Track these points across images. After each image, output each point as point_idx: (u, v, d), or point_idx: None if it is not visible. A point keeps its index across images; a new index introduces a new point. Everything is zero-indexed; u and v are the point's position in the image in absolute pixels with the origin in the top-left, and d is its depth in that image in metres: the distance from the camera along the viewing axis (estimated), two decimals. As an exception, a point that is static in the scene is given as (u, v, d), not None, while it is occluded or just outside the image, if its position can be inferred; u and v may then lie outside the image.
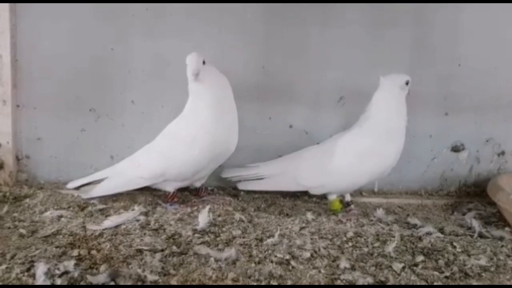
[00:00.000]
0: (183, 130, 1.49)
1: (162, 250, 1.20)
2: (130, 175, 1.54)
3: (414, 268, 1.21)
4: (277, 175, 1.64)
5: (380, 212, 1.60)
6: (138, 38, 1.66)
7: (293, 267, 1.17)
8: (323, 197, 1.72)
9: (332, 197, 1.62)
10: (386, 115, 1.54)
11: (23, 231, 1.30)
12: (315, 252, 1.25)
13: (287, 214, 1.57)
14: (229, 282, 1.08)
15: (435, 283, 1.15)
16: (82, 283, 1.04)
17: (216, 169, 1.73)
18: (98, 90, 1.68)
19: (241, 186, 1.69)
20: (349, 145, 1.56)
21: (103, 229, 1.31)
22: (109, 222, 1.35)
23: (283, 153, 1.73)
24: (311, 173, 1.59)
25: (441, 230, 1.48)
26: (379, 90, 1.56)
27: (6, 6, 1.57)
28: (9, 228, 1.33)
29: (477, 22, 1.78)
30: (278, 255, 1.21)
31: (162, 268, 1.12)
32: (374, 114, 1.55)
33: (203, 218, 1.38)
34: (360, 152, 1.53)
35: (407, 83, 1.54)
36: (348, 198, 1.65)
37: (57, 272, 1.05)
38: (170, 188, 1.56)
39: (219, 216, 1.46)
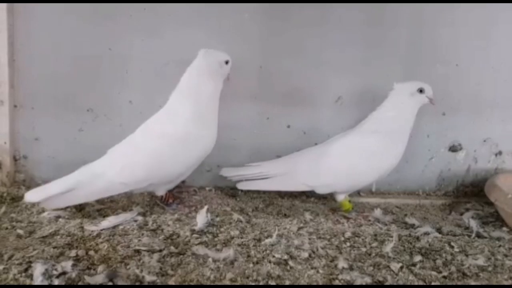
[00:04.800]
0: (172, 129, 1.43)
1: (160, 251, 1.20)
2: (109, 181, 1.40)
3: (412, 268, 1.21)
4: (281, 175, 1.60)
5: (378, 212, 1.60)
6: (136, 38, 1.65)
7: (291, 267, 1.17)
8: (322, 197, 1.72)
9: (341, 198, 1.61)
10: (392, 118, 1.56)
11: (20, 231, 1.29)
12: (313, 252, 1.26)
13: (285, 214, 1.57)
14: (227, 283, 1.08)
15: (433, 283, 1.15)
16: (80, 283, 1.04)
17: (214, 169, 1.74)
18: (96, 90, 1.68)
19: (241, 186, 1.64)
20: (354, 145, 1.57)
21: (101, 230, 1.31)
22: (107, 222, 1.35)
23: (281, 153, 1.73)
24: (317, 172, 1.56)
25: (439, 230, 1.49)
26: (391, 95, 1.59)
27: (3, 6, 1.56)
28: (6, 228, 1.32)
29: (475, 22, 1.78)
30: (276, 255, 1.21)
31: (160, 268, 1.12)
32: (382, 116, 1.58)
33: (201, 218, 1.38)
34: (365, 152, 1.54)
35: (420, 91, 1.56)
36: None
37: (55, 272, 1.05)
38: (161, 191, 1.52)
39: (217, 216, 1.46)
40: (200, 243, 1.26)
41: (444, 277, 1.18)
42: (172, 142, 1.42)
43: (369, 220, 1.55)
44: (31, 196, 1.41)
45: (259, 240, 1.31)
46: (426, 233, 1.43)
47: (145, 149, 1.43)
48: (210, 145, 1.48)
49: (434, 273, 1.19)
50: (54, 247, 1.19)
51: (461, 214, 1.70)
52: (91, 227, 1.32)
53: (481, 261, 1.26)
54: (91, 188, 1.40)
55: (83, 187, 1.40)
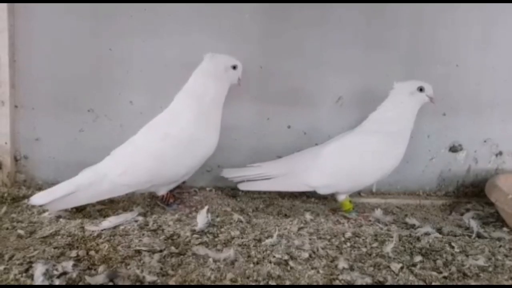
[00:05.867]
0: (176, 130, 1.43)
1: (161, 251, 1.20)
2: (112, 182, 1.40)
3: (412, 268, 1.21)
4: (281, 176, 1.59)
5: (378, 213, 1.60)
6: (136, 38, 1.65)
7: (291, 267, 1.17)
8: (322, 197, 1.72)
9: (342, 198, 1.61)
10: (393, 118, 1.56)
11: (21, 232, 1.29)
12: (314, 252, 1.26)
13: (286, 215, 1.57)
14: (228, 283, 1.08)
15: (433, 283, 1.15)
16: (80, 283, 1.04)
17: (215, 169, 1.74)
18: (96, 90, 1.68)
19: (243, 186, 1.63)
20: (355, 145, 1.57)
21: (102, 230, 1.31)
22: (108, 222, 1.35)
23: (282, 154, 1.73)
24: (317, 172, 1.55)
25: (439, 231, 1.49)
26: (391, 94, 1.59)
27: (4, 6, 1.56)
28: (7, 229, 1.32)
29: (475, 22, 1.79)
30: (277, 256, 1.21)
31: (161, 268, 1.12)
32: (382, 116, 1.58)
33: (201, 218, 1.38)
34: (366, 152, 1.54)
35: (420, 90, 1.56)
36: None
37: (56, 272, 1.05)
38: (162, 192, 1.52)
39: (217, 216, 1.46)
40: (201, 243, 1.27)
41: (445, 277, 1.18)
42: (174, 144, 1.42)
43: (370, 221, 1.55)
44: (36, 199, 1.41)
45: (260, 240, 1.31)
46: (427, 234, 1.43)
47: (147, 150, 1.43)
48: (212, 147, 1.49)
49: (434, 273, 1.19)
50: (55, 247, 1.19)
51: (462, 214, 1.70)
52: (91, 227, 1.32)
53: (481, 262, 1.26)
54: (94, 190, 1.40)
55: (87, 189, 1.40)
